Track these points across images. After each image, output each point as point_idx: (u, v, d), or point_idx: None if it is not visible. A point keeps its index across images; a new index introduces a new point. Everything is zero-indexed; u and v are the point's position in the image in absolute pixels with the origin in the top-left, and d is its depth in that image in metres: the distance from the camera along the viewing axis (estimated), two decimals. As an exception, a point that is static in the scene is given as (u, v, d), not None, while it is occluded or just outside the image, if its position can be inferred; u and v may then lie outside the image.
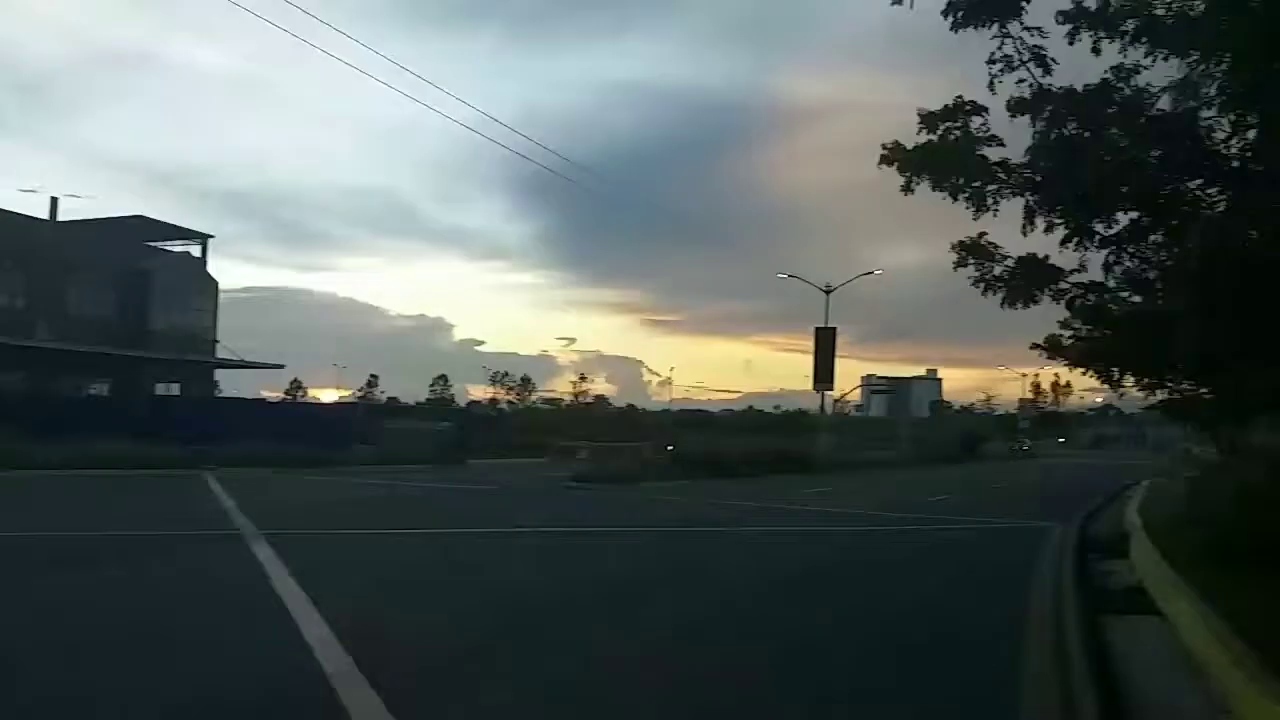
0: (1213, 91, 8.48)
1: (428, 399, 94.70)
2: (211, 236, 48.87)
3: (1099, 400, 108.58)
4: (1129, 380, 18.83)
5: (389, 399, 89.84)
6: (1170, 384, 19.14)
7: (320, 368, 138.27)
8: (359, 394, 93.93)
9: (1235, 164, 9.10)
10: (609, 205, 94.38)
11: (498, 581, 10.11)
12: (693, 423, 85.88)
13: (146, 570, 10.09)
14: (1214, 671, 6.26)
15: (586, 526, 16.59)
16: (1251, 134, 8.81)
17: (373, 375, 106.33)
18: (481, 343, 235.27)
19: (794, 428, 68.73)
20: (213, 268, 49.13)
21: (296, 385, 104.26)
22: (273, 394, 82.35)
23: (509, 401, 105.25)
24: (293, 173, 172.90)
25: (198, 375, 46.99)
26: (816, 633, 7.96)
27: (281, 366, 59.02)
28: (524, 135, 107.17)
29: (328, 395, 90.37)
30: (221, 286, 49.96)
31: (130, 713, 5.15)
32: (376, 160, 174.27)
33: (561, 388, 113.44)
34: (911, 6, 7.60)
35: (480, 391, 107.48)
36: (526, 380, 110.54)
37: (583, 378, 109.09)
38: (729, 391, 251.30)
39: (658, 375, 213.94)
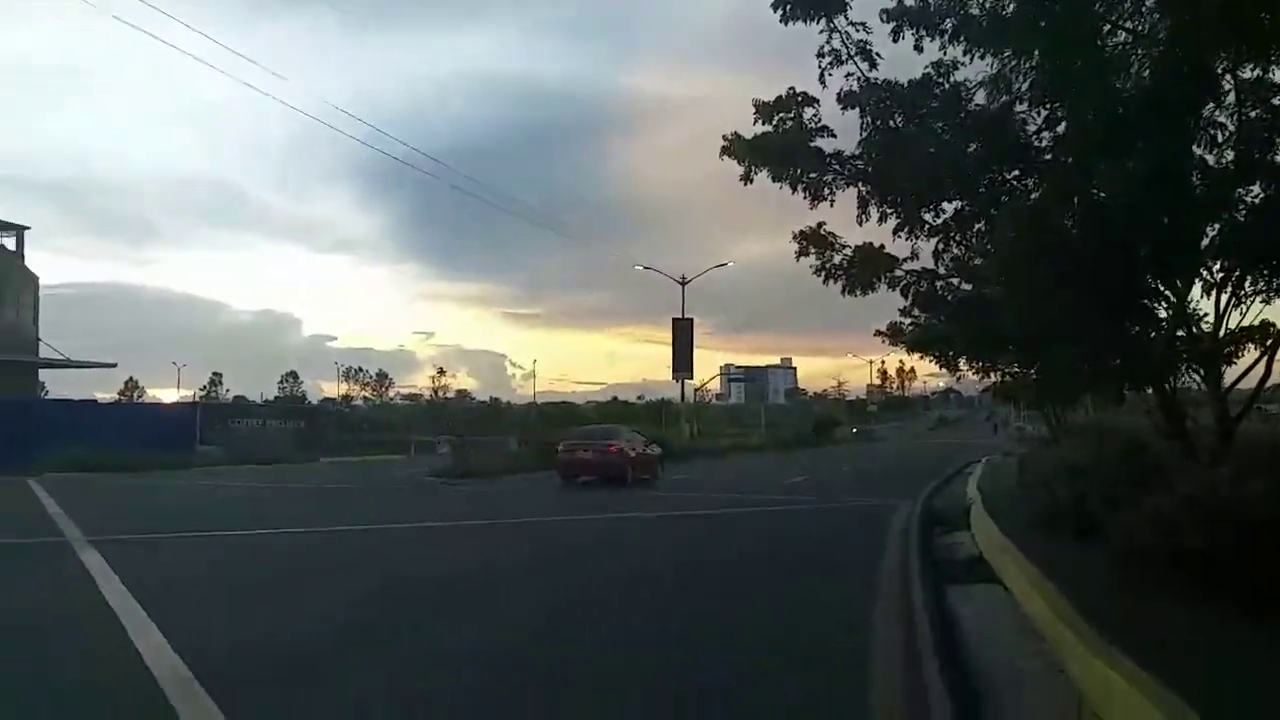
0: (1024, 87, 8.95)
1: (276, 396, 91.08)
2: (28, 228, 44.98)
3: (941, 384, 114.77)
4: (964, 363, 19.84)
5: (235, 397, 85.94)
6: (1001, 366, 20.27)
7: (159, 366, 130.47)
8: (201, 393, 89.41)
9: (1046, 155, 9.64)
10: (461, 197, 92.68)
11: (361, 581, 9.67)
12: (558, 415, 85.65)
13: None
14: (1048, 633, 6.63)
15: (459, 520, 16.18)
16: (1060, 127, 9.35)
17: (215, 373, 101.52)
18: (333, 338, 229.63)
19: (657, 416, 69.53)
20: (32, 262, 45.45)
21: (133, 385, 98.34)
22: (106, 395, 77.34)
23: (365, 397, 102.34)
24: (121, 163, 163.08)
25: (19, 376, 43.32)
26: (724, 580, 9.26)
27: (113, 365, 55.36)
28: (368, 124, 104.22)
29: (168, 395, 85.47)
30: (45, 282, 46.39)
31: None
32: (210, 150, 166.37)
33: (420, 382, 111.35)
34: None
35: (333, 388, 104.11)
36: (383, 375, 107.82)
37: (441, 372, 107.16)
38: (593, 383, 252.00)
39: (520, 368, 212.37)
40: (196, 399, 75.93)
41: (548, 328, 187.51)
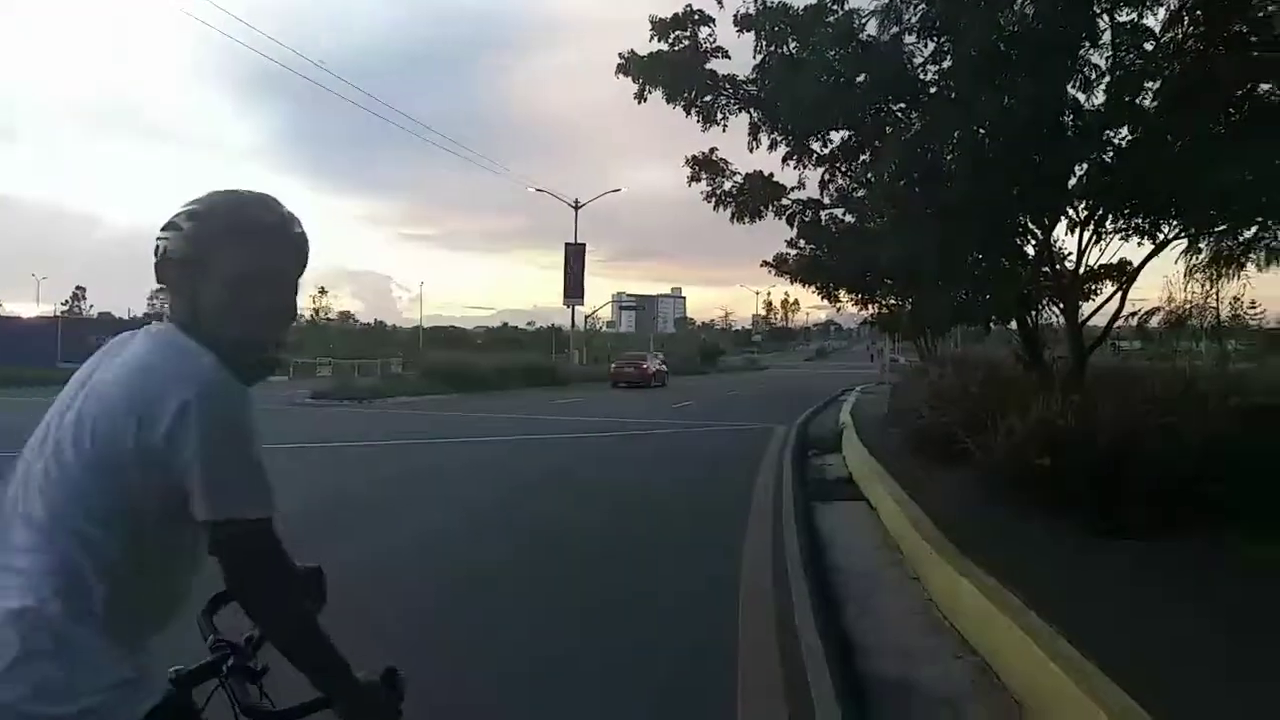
0: (914, 18, 9.07)
1: (145, 313, 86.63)
2: None
3: (823, 316, 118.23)
4: (844, 295, 20.41)
5: (100, 314, 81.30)
6: (880, 298, 20.95)
7: (16, 280, 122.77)
8: (63, 308, 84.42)
9: (932, 89, 9.83)
10: (354, 112, 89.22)
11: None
12: (445, 339, 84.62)
13: None
14: (907, 545, 7.01)
15: (313, 443, 15.83)
16: (946, 61, 9.53)
17: (79, 287, 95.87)
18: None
19: (547, 343, 69.39)
20: None
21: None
22: (-49, 308, 72.14)
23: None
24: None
25: None
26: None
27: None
28: (259, 31, 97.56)
29: (26, 309, 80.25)
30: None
31: None
32: (80, 51, 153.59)
33: (301, 303, 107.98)
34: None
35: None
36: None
37: (323, 291, 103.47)
38: (483, 308, 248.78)
39: (407, 291, 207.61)
40: (58, 314, 71.44)
41: (438, 249, 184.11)
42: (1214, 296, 11.42)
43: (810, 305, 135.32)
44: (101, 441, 1.39)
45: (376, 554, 6.83)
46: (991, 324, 13.54)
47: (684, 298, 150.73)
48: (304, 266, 1.62)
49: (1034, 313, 11.69)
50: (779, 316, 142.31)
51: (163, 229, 1.52)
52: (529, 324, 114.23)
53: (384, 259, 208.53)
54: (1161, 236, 10.05)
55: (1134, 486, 6.53)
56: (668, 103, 11.09)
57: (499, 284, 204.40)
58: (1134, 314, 11.32)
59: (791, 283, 20.43)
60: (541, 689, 4.25)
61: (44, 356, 33.51)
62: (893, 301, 20.63)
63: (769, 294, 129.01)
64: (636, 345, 75.02)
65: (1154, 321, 11.80)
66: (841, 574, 6.60)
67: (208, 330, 1.48)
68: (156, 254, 1.51)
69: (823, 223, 13.49)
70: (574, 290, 50.54)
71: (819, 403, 27.30)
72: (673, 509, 9.43)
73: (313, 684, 1.46)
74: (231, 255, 1.48)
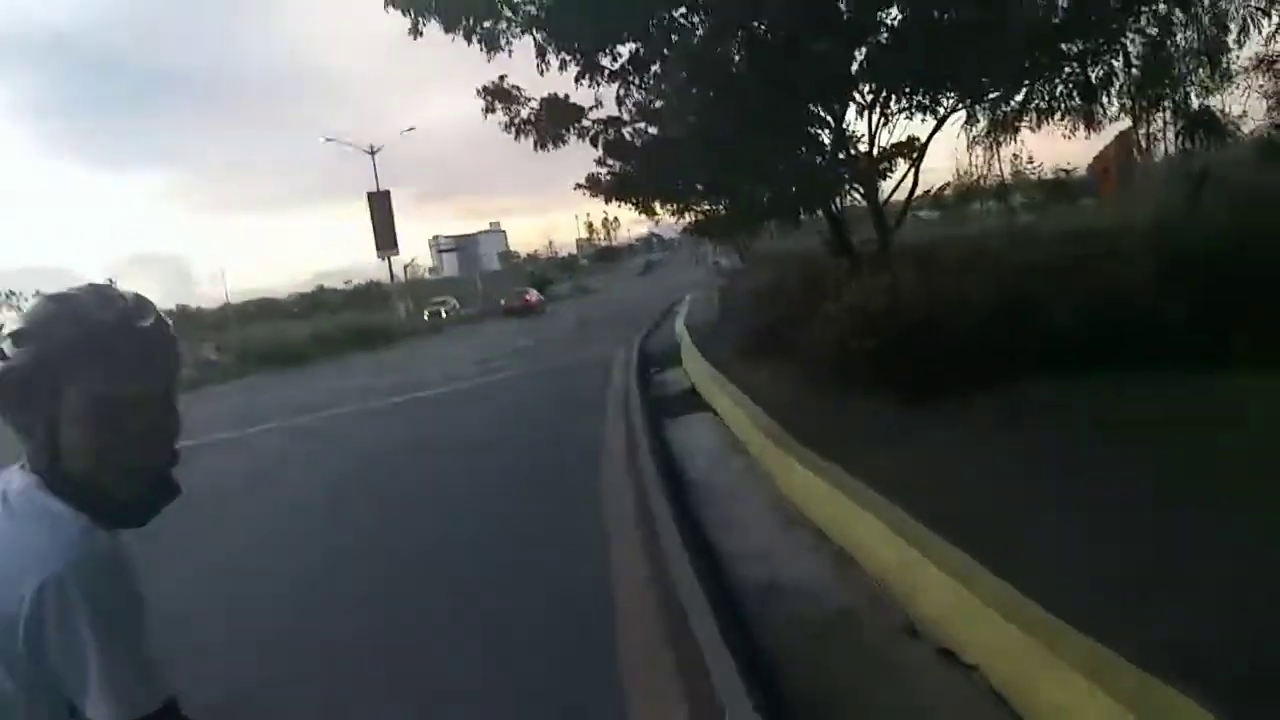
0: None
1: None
2: None
3: (644, 230, 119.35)
4: (659, 207, 20.44)
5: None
6: (694, 206, 21.09)
7: None
8: None
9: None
10: (101, 75, 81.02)
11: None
12: (259, 313, 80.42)
13: None
14: (752, 447, 7.25)
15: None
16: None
17: None
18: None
19: (368, 300, 67.09)
20: None
21: None
22: None
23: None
24: None
25: None
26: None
27: None
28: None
29: None
30: None
31: None
32: None
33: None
34: None
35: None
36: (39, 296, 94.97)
37: (111, 283, 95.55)
38: (294, 274, 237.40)
39: (207, 268, 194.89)
40: None
41: (235, 218, 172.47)
42: (995, 160, 12.15)
43: (630, 221, 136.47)
44: None
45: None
46: (800, 216, 13.92)
47: (504, 232, 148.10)
48: (177, 366, 1.31)
49: (838, 200, 12.08)
50: (601, 237, 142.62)
51: None
52: (346, 283, 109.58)
53: (176, 237, 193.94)
54: (942, 110, 10.52)
55: (940, 356, 6.90)
56: (446, 32, 10.56)
57: (308, 246, 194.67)
58: (928, 192, 11.91)
59: (607, 202, 20.20)
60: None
61: None
62: (706, 206, 20.84)
63: (588, 216, 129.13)
64: (463, 287, 73.55)
65: (948, 193, 12.46)
66: (699, 487, 6.72)
67: (77, 474, 1.19)
68: None
69: (626, 139, 13.32)
70: (386, 241, 48.44)
71: (654, 318, 27.61)
72: (522, 451, 9.35)
73: None
74: (82, 377, 1.17)
